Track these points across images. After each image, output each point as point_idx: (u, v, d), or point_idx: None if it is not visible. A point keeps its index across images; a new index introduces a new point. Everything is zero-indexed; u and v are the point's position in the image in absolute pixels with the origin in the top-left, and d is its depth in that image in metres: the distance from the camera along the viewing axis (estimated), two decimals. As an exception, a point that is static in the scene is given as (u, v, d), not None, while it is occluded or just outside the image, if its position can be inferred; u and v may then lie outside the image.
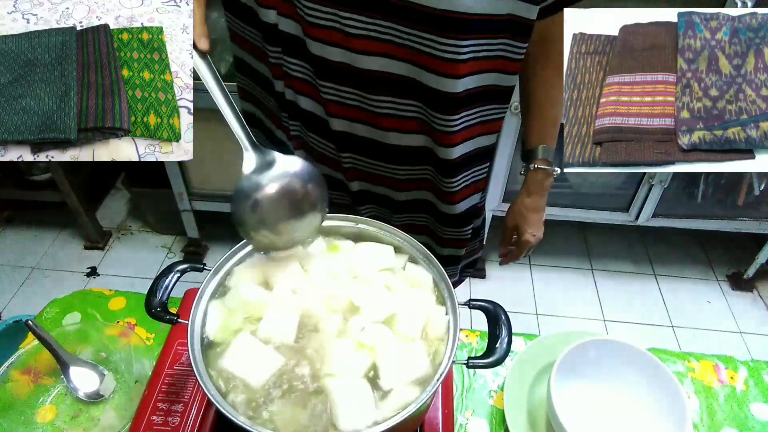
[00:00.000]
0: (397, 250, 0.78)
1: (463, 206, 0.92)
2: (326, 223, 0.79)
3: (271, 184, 0.69)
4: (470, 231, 0.99)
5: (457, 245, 1.00)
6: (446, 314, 0.70)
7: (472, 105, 0.80)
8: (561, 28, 0.85)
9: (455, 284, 1.12)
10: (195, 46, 0.67)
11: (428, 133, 0.82)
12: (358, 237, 0.80)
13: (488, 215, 1.98)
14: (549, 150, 0.95)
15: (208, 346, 0.67)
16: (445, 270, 0.74)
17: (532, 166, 0.95)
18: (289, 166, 0.70)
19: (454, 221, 0.94)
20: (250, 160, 0.69)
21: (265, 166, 0.69)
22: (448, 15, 0.69)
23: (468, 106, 0.80)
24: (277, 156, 0.70)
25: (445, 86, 0.75)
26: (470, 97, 0.78)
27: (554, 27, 0.83)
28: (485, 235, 1.88)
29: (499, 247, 1.11)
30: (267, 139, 0.98)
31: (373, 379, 0.64)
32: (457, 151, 0.83)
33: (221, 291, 0.73)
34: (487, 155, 0.91)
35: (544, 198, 1.00)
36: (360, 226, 0.79)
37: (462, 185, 0.89)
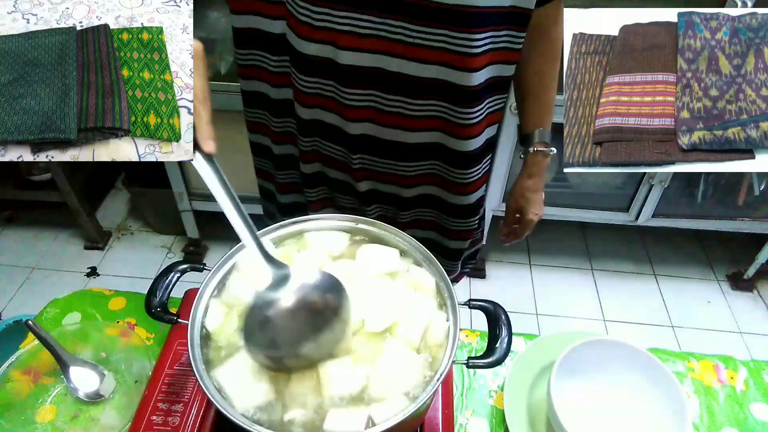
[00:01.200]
0: (402, 253, 0.78)
1: (475, 196, 0.95)
2: (329, 224, 0.79)
3: (286, 299, 0.64)
4: (477, 221, 1.01)
5: (464, 236, 1.01)
6: (447, 320, 0.69)
7: (483, 97, 0.82)
8: (555, 15, 0.86)
9: (457, 278, 1.12)
10: (199, 148, 0.61)
11: (445, 128, 0.83)
12: (361, 240, 0.80)
13: (488, 215, 1.98)
14: (545, 132, 0.98)
15: (206, 337, 0.67)
16: (449, 264, 0.74)
17: (531, 149, 0.98)
18: (305, 278, 0.65)
19: (465, 212, 0.96)
20: (266, 275, 0.64)
21: (281, 280, 0.64)
22: (460, 9, 0.70)
23: (481, 99, 0.81)
24: (292, 270, 0.65)
25: (463, 80, 0.76)
26: (482, 90, 0.80)
27: (548, 15, 0.85)
28: (485, 229, 1.88)
29: (501, 228, 1.15)
30: (266, 157, 0.98)
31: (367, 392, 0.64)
32: (474, 143, 0.85)
33: (221, 288, 0.73)
34: (492, 146, 0.93)
35: (543, 178, 1.03)
36: (360, 226, 0.79)
37: (476, 176, 0.91)
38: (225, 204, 0.63)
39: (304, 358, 0.64)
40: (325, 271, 0.67)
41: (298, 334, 0.63)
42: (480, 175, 0.92)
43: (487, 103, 0.84)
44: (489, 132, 0.89)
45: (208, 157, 0.62)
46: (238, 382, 0.63)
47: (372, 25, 0.72)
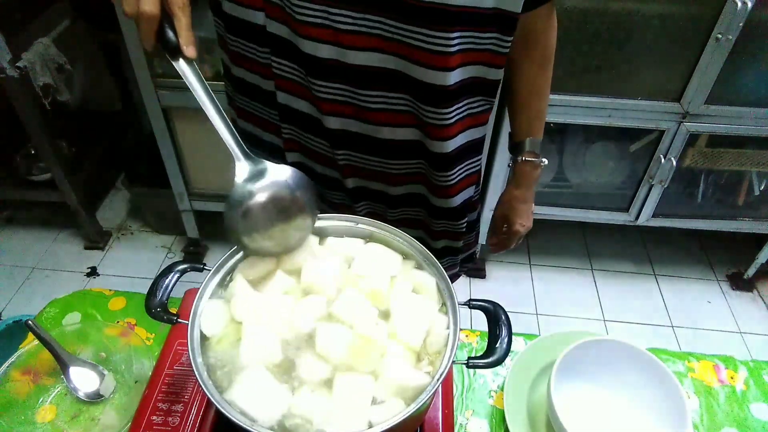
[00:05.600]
0: (405, 255, 0.77)
1: (458, 199, 0.93)
2: (332, 223, 0.79)
3: (260, 193, 0.69)
4: (465, 224, 1.00)
5: (453, 237, 1.01)
6: (447, 328, 0.69)
7: (461, 98, 0.81)
8: (545, 21, 0.85)
9: (454, 277, 1.12)
10: (182, 53, 0.64)
11: (420, 126, 0.82)
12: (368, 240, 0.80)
13: (488, 216, 1.98)
14: (536, 142, 0.96)
15: (204, 342, 0.67)
16: (445, 261, 0.74)
17: (519, 158, 0.97)
18: (278, 174, 0.71)
19: (449, 215, 0.95)
20: (242, 169, 0.70)
21: (257, 174, 0.70)
22: (435, 7, 0.70)
23: (458, 99, 0.80)
24: (268, 165, 0.71)
25: (437, 79, 0.75)
26: (460, 90, 0.79)
27: (538, 20, 0.84)
28: (480, 230, 1.88)
29: (489, 238, 1.14)
30: (255, 145, 0.98)
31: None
32: (452, 145, 0.84)
33: (222, 290, 0.73)
34: (477, 148, 0.92)
35: (532, 189, 1.02)
36: (360, 226, 0.79)
37: (457, 178, 0.90)
38: (206, 104, 0.67)
39: (276, 242, 0.72)
40: (296, 169, 0.72)
41: (270, 222, 0.71)
42: (460, 177, 0.91)
43: (466, 104, 0.82)
44: (471, 134, 0.87)
45: (189, 61, 0.65)
46: (255, 399, 0.62)
47: (351, 20, 0.72)
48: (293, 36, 0.76)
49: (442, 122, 0.80)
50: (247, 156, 0.70)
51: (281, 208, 0.71)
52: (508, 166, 1.00)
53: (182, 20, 0.63)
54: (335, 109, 0.80)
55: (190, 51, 0.64)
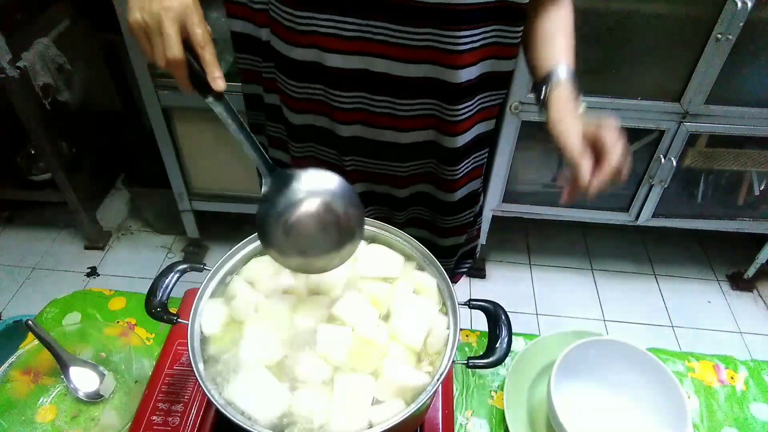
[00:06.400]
0: (406, 257, 0.77)
1: (462, 192, 0.93)
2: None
3: (306, 200, 0.65)
4: (470, 215, 0.99)
5: (459, 232, 1.00)
6: (447, 328, 0.69)
7: (476, 93, 0.81)
8: None
9: (455, 279, 1.12)
10: (210, 88, 0.64)
11: (435, 126, 0.82)
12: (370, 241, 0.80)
13: (488, 215, 1.98)
14: (570, 70, 0.76)
15: (204, 342, 0.67)
16: (443, 261, 0.74)
17: (554, 81, 0.75)
18: (327, 182, 0.66)
19: (453, 208, 0.95)
20: (268, 183, 0.66)
21: (283, 183, 0.65)
22: (443, 8, 0.70)
23: (473, 95, 0.80)
24: (302, 172, 0.66)
25: (451, 77, 0.76)
26: (473, 86, 0.79)
27: None
28: (485, 229, 1.87)
29: (579, 179, 0.78)
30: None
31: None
32: (461, 140, 0.84)
33: (222, 290, 0.73)
34: (486, 141, 0.92)
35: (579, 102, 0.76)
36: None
37: (463, 172, 0.90)
38: (235, 131, 0.65)
39: (320, 264, 0.67)
40: (341, 178, 0.67)
41: (316, 239, 0.66)
42: (467, 170, 0.91)
43: (479, 99, 0.83)
44: (481, 128, 0.87)
45: (219, 94, 0.65)
46: (255, 399, 0.62)
47: (356, 27, 0.72)
48: (293, 49, 0.76)
49: (456, 119, 0.80)
50: (273, 171, 0.66)
51: (326, 223, 0.66)
52: (538, 98, 0.76)
53: (206, 57, 0.63)
54: (349, 117, 0.81)
55: (217, 85, 0.64)
